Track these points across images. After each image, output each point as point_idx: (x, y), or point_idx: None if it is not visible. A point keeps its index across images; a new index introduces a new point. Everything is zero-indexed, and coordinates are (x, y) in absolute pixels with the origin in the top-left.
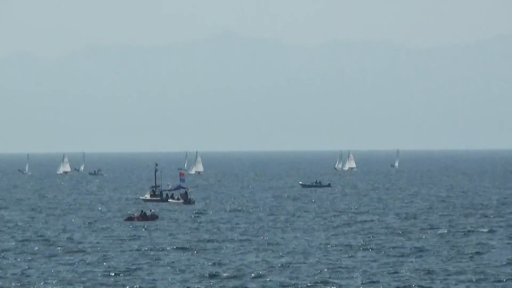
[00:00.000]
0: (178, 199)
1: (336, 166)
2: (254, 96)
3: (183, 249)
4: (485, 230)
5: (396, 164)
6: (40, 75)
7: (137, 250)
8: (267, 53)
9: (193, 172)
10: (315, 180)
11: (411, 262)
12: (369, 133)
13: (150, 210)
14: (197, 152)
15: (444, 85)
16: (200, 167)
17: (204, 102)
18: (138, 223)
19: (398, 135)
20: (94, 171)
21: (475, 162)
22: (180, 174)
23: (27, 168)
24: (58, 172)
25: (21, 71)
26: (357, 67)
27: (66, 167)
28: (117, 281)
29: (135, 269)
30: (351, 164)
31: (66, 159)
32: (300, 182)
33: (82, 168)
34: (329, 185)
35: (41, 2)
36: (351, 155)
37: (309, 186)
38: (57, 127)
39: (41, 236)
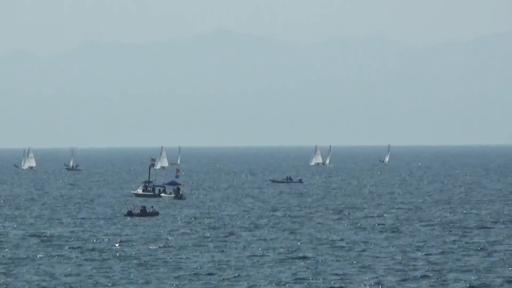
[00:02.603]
0: (170, 193)
1: (324, 162)
2: (249, 93)
3: (186, 244)
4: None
5: (386, 159)
6: (37, 73)
7: (139, 246)
8: (262, 50)
9: (158, 167)
10: (285, 176)
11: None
12: (364, 130)
13: (152, 207)
14: (162, 147)
15: (441, 82)
16: (165, 162)
17: (201, 99)
18: (138, 219)
19: (394, 132)
20: (72, 167)
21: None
22: (176, 170)
23: (22, 163)
24: (23, 167)
25: (18, 69)
26: (353, 64)
27: (31, 162)
28: (119, 278)
29: (137, 265)
30: (317, 159)
31: (31, 154)
32: (270, 178)
33: (71, 163)
34: (300, 181)
35: (38, 0)
36: (318, 150)
37: (279, 182)
38: (54, 123)
39: (38, 233)
